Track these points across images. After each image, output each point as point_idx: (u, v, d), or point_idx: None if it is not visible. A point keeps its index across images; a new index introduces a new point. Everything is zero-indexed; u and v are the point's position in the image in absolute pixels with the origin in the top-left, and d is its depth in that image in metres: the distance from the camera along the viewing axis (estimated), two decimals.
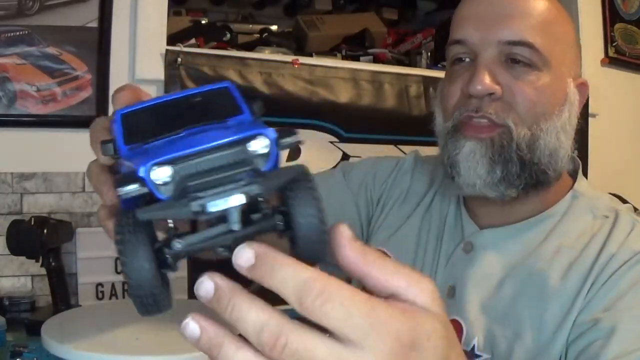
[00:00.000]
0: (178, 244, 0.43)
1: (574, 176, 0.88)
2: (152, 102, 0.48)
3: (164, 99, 0.47)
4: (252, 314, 0.38)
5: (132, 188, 0.41)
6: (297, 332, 0.38)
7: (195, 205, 0.40)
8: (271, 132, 0.43)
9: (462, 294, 0.83)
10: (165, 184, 0.41)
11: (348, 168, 1.05)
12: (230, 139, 0.41)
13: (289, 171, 0.43)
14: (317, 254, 0.43)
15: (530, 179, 0.80)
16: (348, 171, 1.04)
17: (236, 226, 0.42)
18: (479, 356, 0.79)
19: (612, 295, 0.73)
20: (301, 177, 0.44)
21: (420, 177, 1.00)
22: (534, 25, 0.79)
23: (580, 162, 0.91)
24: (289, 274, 0.38)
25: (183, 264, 1.69)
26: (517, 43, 0.78)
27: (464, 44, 0.81)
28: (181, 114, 0.46)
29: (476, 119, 0.79)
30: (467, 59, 0.82)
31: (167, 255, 0.44)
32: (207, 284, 0.39)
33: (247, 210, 0.43)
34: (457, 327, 0.81)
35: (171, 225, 0.44)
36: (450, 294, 0.84)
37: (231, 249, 0.42)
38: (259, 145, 0.42)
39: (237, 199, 0.41)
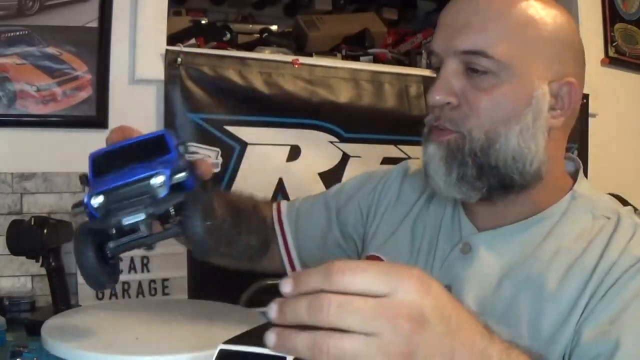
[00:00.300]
0: (111, 244, 0.68)
1: (575, 177, 0.89)
2: (113, 147, 0.73)
3: (121, 144, 0.73)
4: (302, 301, 0.49)
5: (79, 209, 0.68)
6: (336, 295, 0.49)
7: (114, 220, 0.66)
8: (167, 171, 0.67)
9: (459, 293, 0.83)
10: (99, 206, 0.67)
11: (336, 190, 1.10)
12: (141, 176, 0.67)
13: (178, 196, 0.67)
14: (204, 251, 0.70)
15: (494, 181, 0.81)
16: (336, 193, 1.09)
17: (145, 233, 0.67)
18: None
19: (615, 306, 0.73)
20: (189, 199, 0.68)
21: (413, 182, 1.02)
22: (493, 33, 0.80)
23: (580, 163, 0.91)
24: (314, 273, 0.50)
25: (183, 265, 1.68)
26: (472, 52, 0.80)
27: (434, 53, 0.85)
28: (128, 155, 0.71)
29: (435, 128, 0.83)
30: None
31: (107, 252, 0.69)
32: (274, 306, 0.51)
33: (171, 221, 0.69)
34: None
35: (113, 232, 0.68)
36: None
37: (149, 247, 0.70)
38: (158, 180, 0.67)
39: (140, 216, 0.66)
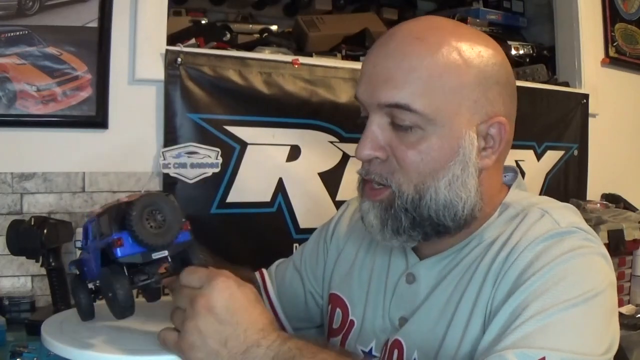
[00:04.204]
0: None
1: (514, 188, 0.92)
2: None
3: None
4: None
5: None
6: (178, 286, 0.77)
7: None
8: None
9: (411, 322, 0.87)
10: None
11: (301, 254, 1.13)
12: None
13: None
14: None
15: (428, 229, 0.83)
16: (302, 257, 1.12)
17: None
18: None
19: (510, 284, 0.77)
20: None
21: (359, 221, 1.03)
22: (414, 87, 0.79)
23: (518, 172, 0.93)
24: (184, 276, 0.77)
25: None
26: (394, 106, 0.80)
27: (359, 100, 0.85)
28: None
29: (368, 182, 0.85)
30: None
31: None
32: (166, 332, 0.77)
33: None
34: (398, 345, 0.87)
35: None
36: (402, 324, 0.89)
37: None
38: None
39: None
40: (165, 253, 0.78)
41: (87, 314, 0.86)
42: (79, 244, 0.88)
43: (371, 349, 0.93)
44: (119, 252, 0.74)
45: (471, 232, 0.86)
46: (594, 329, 0.74)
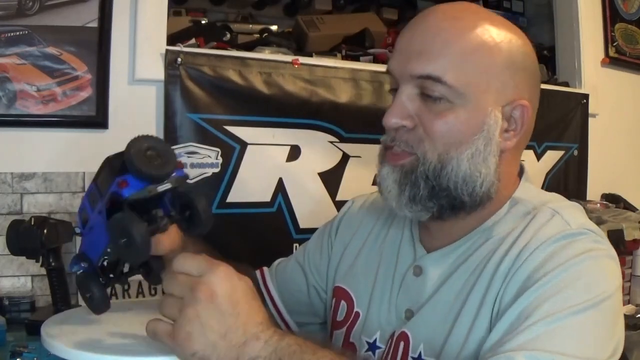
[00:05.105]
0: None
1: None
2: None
3: None
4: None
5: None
6: (172, 272, 0.72)
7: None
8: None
9: (418, 315, 0.88)
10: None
11: (303, 251, 1.14)
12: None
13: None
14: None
15: (444, 202, 0.85)
16: (305, 254, 1.13)
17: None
18: None
19: (520, 283, 0.77)
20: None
21: (369, 212, 1.06)
22: (447, 60, 0.82)
23: (524, 167, 0.94)
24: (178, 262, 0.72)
25: None
26: (427, 77, 0.82)
27: (390, 74, 0.87)
28: None
29: (393, 148, 0.86)
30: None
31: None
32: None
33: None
34: (405, 337, 0.88)
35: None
36: (408, 317, 0.90)
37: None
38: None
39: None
40: (169, 185, 0.78)
41: (103, 306, 0.85)
42: (77, 230, 0.87)
43: (375, 340, 0.93)
44: (125, 192, 0.75)
45: (480, 222, 0.87)
46: (601, 333, 0.75)
